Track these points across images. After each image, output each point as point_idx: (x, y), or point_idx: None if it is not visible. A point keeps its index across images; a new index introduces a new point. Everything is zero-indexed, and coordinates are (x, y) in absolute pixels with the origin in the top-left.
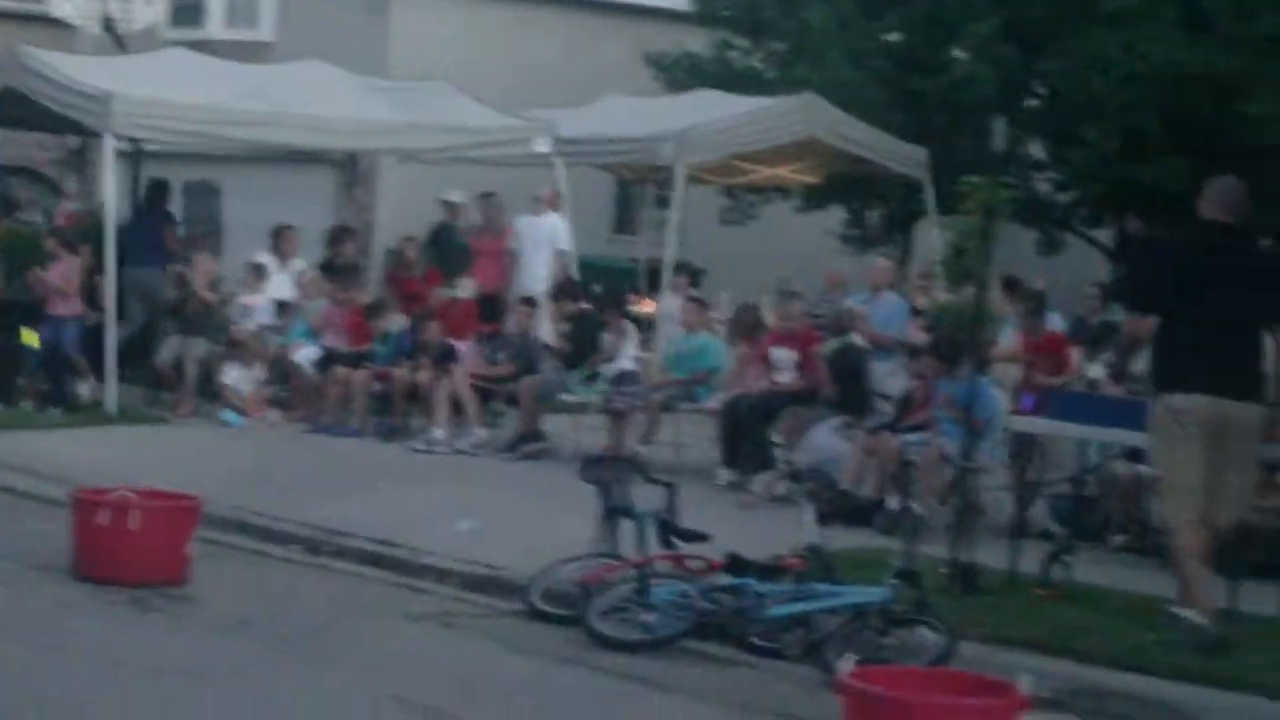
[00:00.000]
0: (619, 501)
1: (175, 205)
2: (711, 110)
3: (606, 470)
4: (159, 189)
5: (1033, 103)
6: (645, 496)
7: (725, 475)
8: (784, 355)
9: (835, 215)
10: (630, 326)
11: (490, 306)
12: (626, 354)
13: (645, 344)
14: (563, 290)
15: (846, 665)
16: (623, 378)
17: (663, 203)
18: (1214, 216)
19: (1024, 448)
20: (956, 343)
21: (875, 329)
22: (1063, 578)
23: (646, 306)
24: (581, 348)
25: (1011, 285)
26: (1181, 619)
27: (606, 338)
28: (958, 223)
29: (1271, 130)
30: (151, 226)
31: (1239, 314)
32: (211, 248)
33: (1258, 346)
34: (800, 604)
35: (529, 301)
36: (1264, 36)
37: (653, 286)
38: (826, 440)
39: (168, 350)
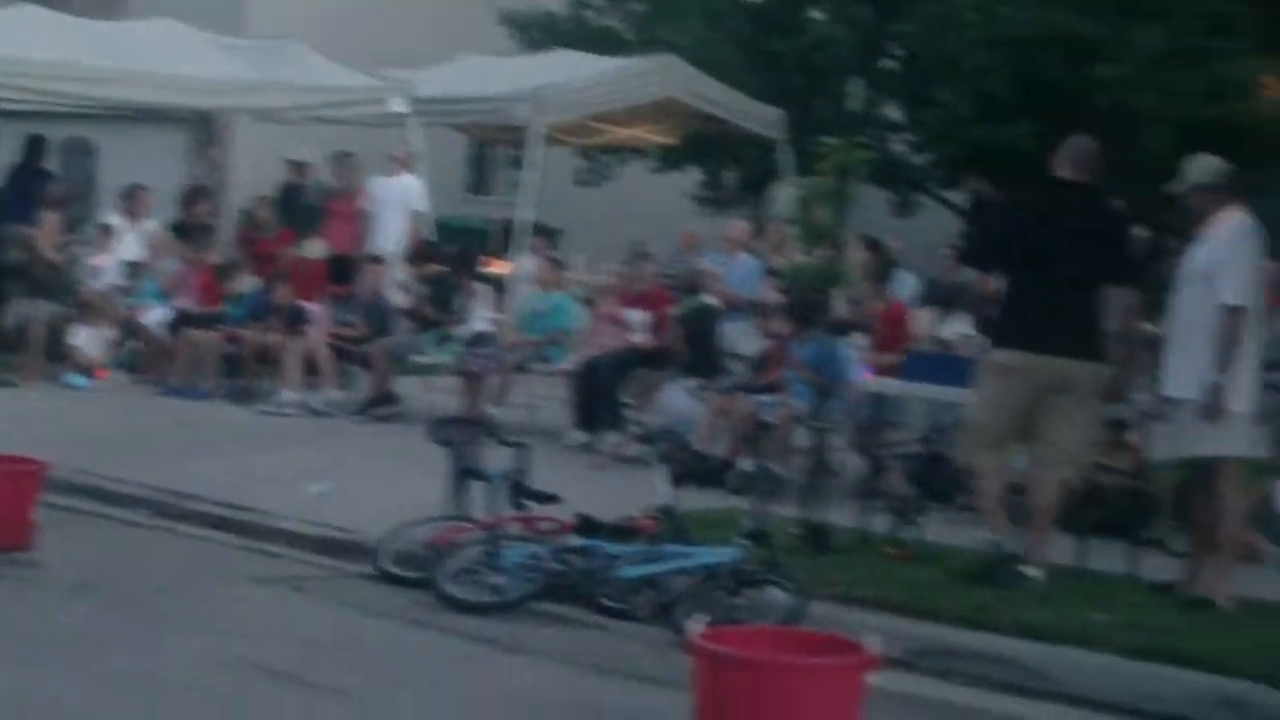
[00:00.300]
0: (469, 463)
1: (53, 163)
2: (568, 70)
3: (457, 431)
4: (35, 146)
5: (889, 64)
6: (496, 458)
7: (577, 436)
8: (636, 316)
9: (692, 176)
10: (481, 288)
11: (341, 268)
12: (479, 315)
13: (500, 305)
14: (418, 252)
15: (697, 625)
16: (477, 339)
17: (518, 163)
18: (1067, 176)
19: (875, 409)
20: (809, 303)
21: (730, 289)
22: (913, 537)
23: (501, 267)
24: (438, 309)
25: (873, 245)
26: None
27: (458, 299)
28: (810, 183)
29: (1124, 93)
30: (27, 184)
31: (1079, 273)
32: (83, 206)
33: (1097, 305)
34: (651, 565)
35: (375, 260)
36: (1118, 1)
37: (508, 247)
38: (679, 401)
39: (13, 313)
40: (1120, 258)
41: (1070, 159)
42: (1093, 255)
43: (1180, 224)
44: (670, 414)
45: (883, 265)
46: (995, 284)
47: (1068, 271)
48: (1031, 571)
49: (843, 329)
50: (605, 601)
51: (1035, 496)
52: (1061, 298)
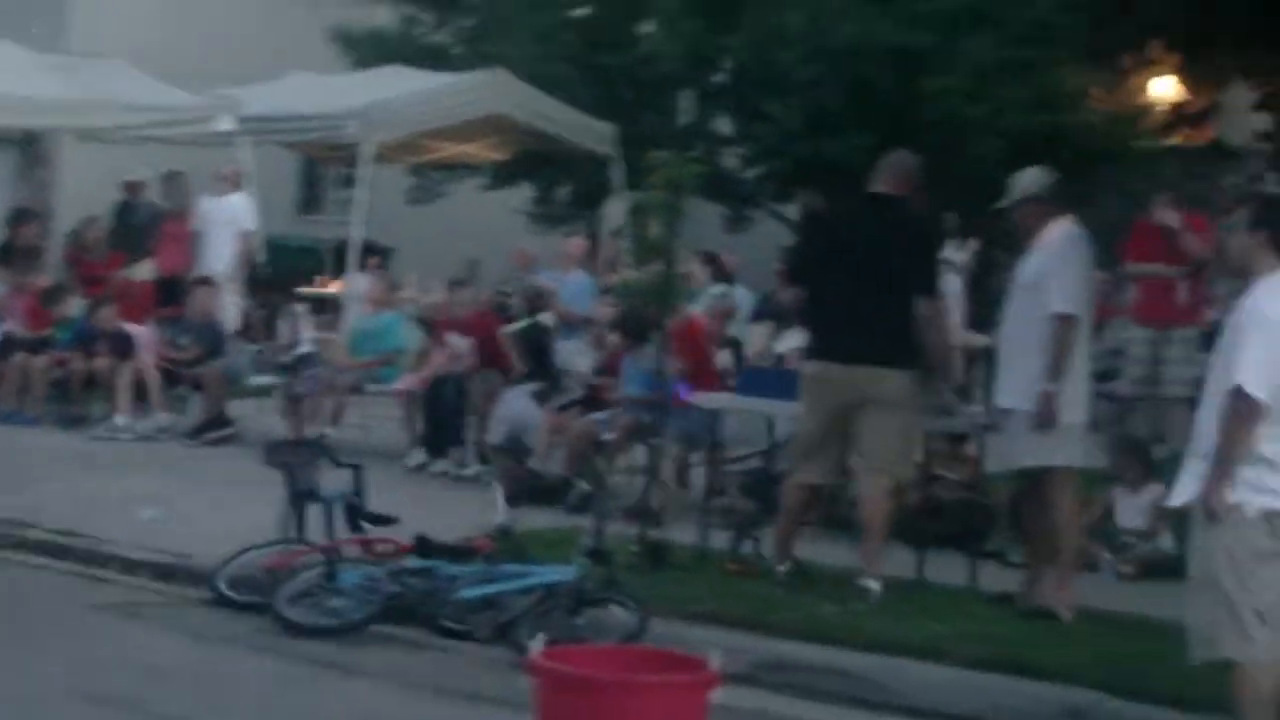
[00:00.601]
0: (305, 485)
1: None
2: (398, 86)
3: (291, 454)
4: None
5: (720, 78)
6: (332, 480)
7: (416, 457)
8: (459, 342)
9: (525, 192)
10: (301, 309)
11: (171, 289)
12: (304, 338)
13: (332, 325)
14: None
15: (536, 645)
16: (301, 361)
17: (350, 182)
18: (883, 189)
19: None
20: (642, 319)
21: (564, 306)
22: (752, 552)
23: (332, 287)
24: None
25: (710, 259)
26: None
27: (281, 324)
28: (641, 197)
29: (953, 105)
30: None
31: (881, 283)
32: None
33: (901, 314)
34: (489, 585)
35: (206, 281)
36: (946, 12)
37: (340, 267)
38: (519, 405)
39: None
40: (921, 268)
41: (887, 173)
42: (895, 266)
43: (1010, 236)
44: (511, 422)
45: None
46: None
47: (869, 282)
48: (868, 584)
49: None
50: (445, 623)
51: (861, 509)
52: (863, 308)
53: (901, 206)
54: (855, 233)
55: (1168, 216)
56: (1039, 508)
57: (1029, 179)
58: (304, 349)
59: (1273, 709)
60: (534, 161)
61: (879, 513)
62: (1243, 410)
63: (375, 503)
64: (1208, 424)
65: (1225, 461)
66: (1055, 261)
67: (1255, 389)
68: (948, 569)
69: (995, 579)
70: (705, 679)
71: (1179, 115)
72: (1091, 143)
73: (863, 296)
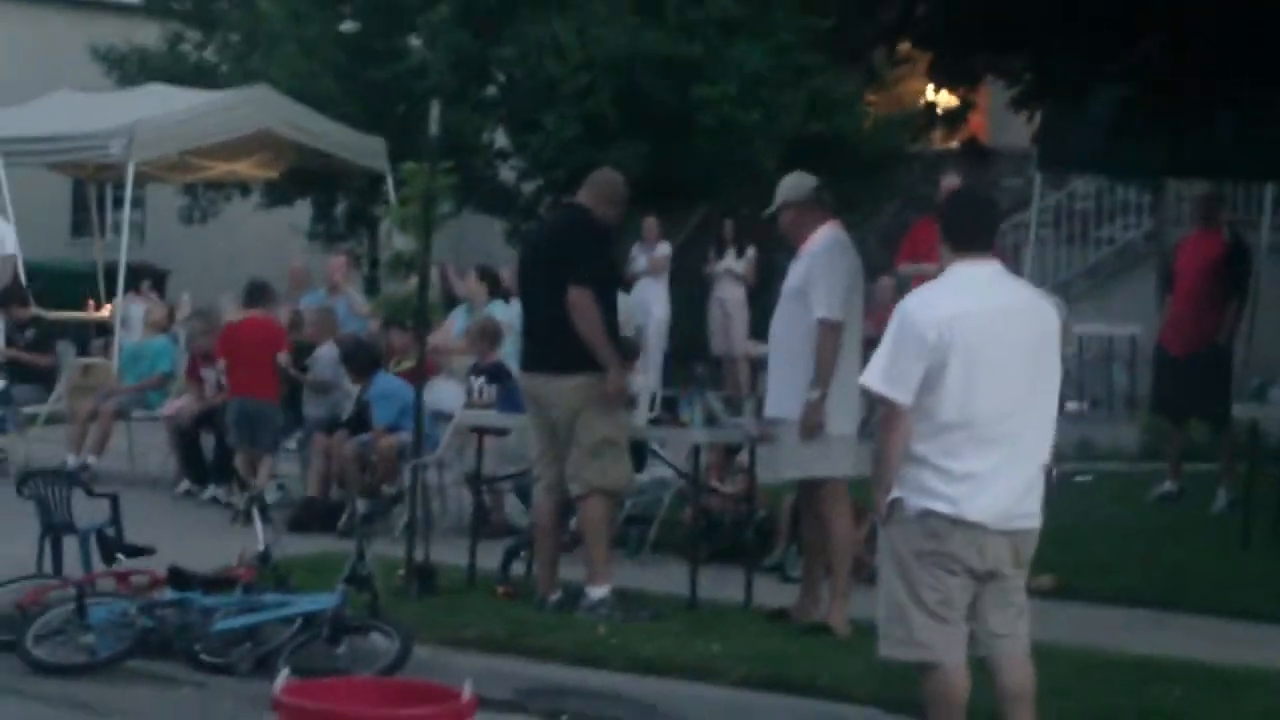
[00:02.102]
0: (59, 517)
1: None
2: (162, 105)
3: (45, 485)
4: None
5: (492, 90)
6: (91, 511)
7: (182, 485)
8: (211, 374)
9: (303, 210)
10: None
11: None
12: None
13: (104, 349)
14: (10, 296)
15: (281, 679)
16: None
17: (121, 203)
18: (581, 202)
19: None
20: (369, 351)
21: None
22: (523, 574)
23: (103, 311)
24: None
25: (486, 274)
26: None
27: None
28: (393, 212)
29: (727, 112)
30: None
31: (551, 290)
32: None
33: (563, 318)
34: (247, 616)
35: None
36: (715, 21)
37: (112, 290)
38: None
39: None
40: (576, 263)
41: (588, 187)
42: (562, 272)
43: (785, 242)
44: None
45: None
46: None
47: (543, 290)
48: (595, 594)
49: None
50: (202, 656)
51: (579, 521)
52: (541, 316)
53: (580, 214)
54: (537, 244)
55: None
56: (814, 520)
57: (793, 183)
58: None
59: (963, 710)
60: (309, 178)
61: (588, 524)
62: (885, 413)
63: (140, 533)
64: None
65: (880, 463)
66: (819, 267)
67: (893, 392)
68: (726, 585)
69: (773, 594)
70: (458, 709)
71: (936, 116)
72: (865, 147)
73: (540, 305)
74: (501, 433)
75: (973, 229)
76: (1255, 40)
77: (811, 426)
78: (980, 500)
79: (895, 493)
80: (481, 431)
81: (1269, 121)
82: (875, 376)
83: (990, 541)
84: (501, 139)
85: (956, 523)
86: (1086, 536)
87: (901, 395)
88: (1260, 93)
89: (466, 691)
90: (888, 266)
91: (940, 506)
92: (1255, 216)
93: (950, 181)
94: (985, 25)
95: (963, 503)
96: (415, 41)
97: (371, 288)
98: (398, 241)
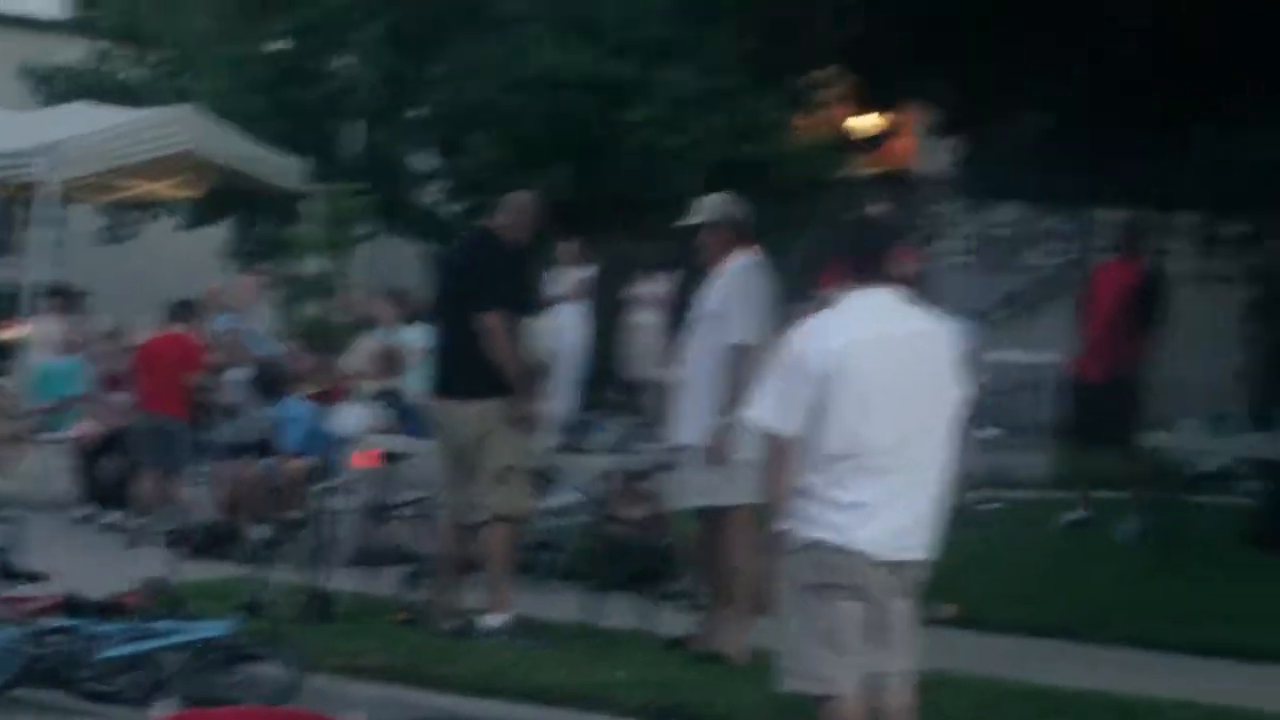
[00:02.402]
0: None
1: None
2: (85, 123)
3: None
4: None
5: (422, 111)
6: None
7: (85, 508)
8: (117, 398)
9: (226, 230)
10: None
11: None
12: None
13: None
14: None
15: (161, 709)
16: None
17: (42, 222)
18: (494, 226)
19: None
20: (273, 368)
21: (245, 348)
22: (422, 600)
23: (19, 331)
24: None
25: (398, 296)
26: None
27: None
28: (293, 234)
29: (654, 135)
30: None
31: (460, 315)
32: None
33: (471, 343)
34: (138, 643)
35: None
36: (644, 42)
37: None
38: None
39: None
40: (487, 289)
41: (502, 209)
42: (470, 296)
43: (694, 262)
44: None
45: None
46: None
47: (452, 315)
48: (495, 621)
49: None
50: (90, 685)
51: (481, 547)
52: (450, 342)
53: (492, 237)
54: (449, 267)
55: None
56: (717, 547)
57: (712, 204)
58: None
59: None
60: (230, 198)
61: (490, 550)
62: (773, 444)
63: (40, 557)
64: None
65: (771, 496)
66: (737, 292)
67: (780, 424)
68: (629, 612)
69: (675, 622)
70: None
71: (855, 141)
72: (789, 172)
73: (451, 329)
74: (402, 458)
75: (867, 256)
76: (1177, 71)
77: (721, 453)
78: (867, 530)
79: (786, 524)
80: (385, 457)
81: (1189, 151)
82: (762, 408)
83: (877, 572)
84: (428, 161)
85: (843, 552)
86: (993, 564)
87: (789, 427)
88: (1182, 123)
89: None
90: (809, 293)
91: (827, 536)
92: (1178, 246)
93: (873, 208)
94: (907, 51)
95: (849, 532)
96: (345, 61)
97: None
98: (310, 264)
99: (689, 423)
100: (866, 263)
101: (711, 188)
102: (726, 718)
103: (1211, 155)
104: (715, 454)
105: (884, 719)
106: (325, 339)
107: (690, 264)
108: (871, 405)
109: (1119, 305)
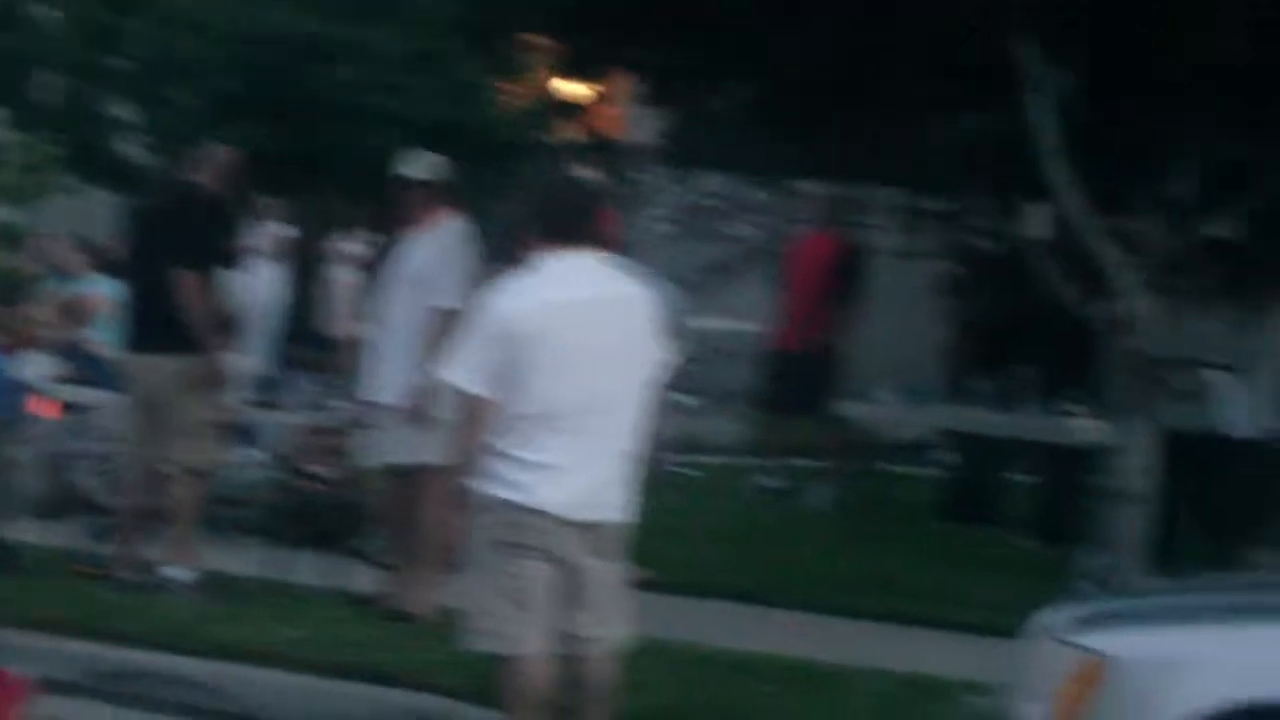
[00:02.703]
0: None
1: None
2: None
3: None
4: None
5: (121, 61)
6: None
7: None
8: None
9: None
10: None
11: None
12: None
13: None
14: None
15: None
16: None
17: None
18: (196, 179)
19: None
20: None
21: None
22: (106, 553)
23: None
24: None
25: (89, 247)
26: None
27: None
28: None
29: (358, 95)
30: None
31: (152, 267)
32: None
33: (165, 297)
34: None
35: None
36: (354, 1)
37: None
38: None
39: None
40: (183, 245)
41: (204, 163)
42: (163, 250)
43: (396, 222)
44: None
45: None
46: None
47: (145, 269)
48: (171, 573)
49: None
50: None
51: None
52: (141, 295)
53: (190, 192)
54: (144, 222)
55: None
56: (408, 505)
57: (419, 164)
58: None
59: (544, 703)
60: None
61: (176, 504)
62: (466, 405)
63: None
64: None
65: (463, 455)
66: (443, 254)
67: (473, 385)
68: (318, 570)
69: (363, 580)
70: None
71: (562, 107)
72: (498, 135)
73: (145, 283)
74: (85, 410)
75: (566, 219)
76: (881, 46)
77: (419, 413)
78: (555, 490)
79: (477, 483)
80: (66, 407)
81: (891, 128)
82: (457, 369)
83: (566, 532)
84: (127, 111)
85: (531, 511)
86: (688, 530)
87: (482, 387)
88: (888, 98)
89: (20, 675)
90: (512, 256)
91: (516, 496)
92: (879, 220)
93: (576, 173)
94: (614, 19)
95: (537, 492)
96: (41, 7)
97: None
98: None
99: (386, 381)
100: (567, 226)
101: (417, 148)
102: (413, 676)
103: (913, 134)
104: (413, 414)
105: (582, 683)
106: (12, 288)
107: (392, 223)
108: (564, 367)
109: (818, 277)
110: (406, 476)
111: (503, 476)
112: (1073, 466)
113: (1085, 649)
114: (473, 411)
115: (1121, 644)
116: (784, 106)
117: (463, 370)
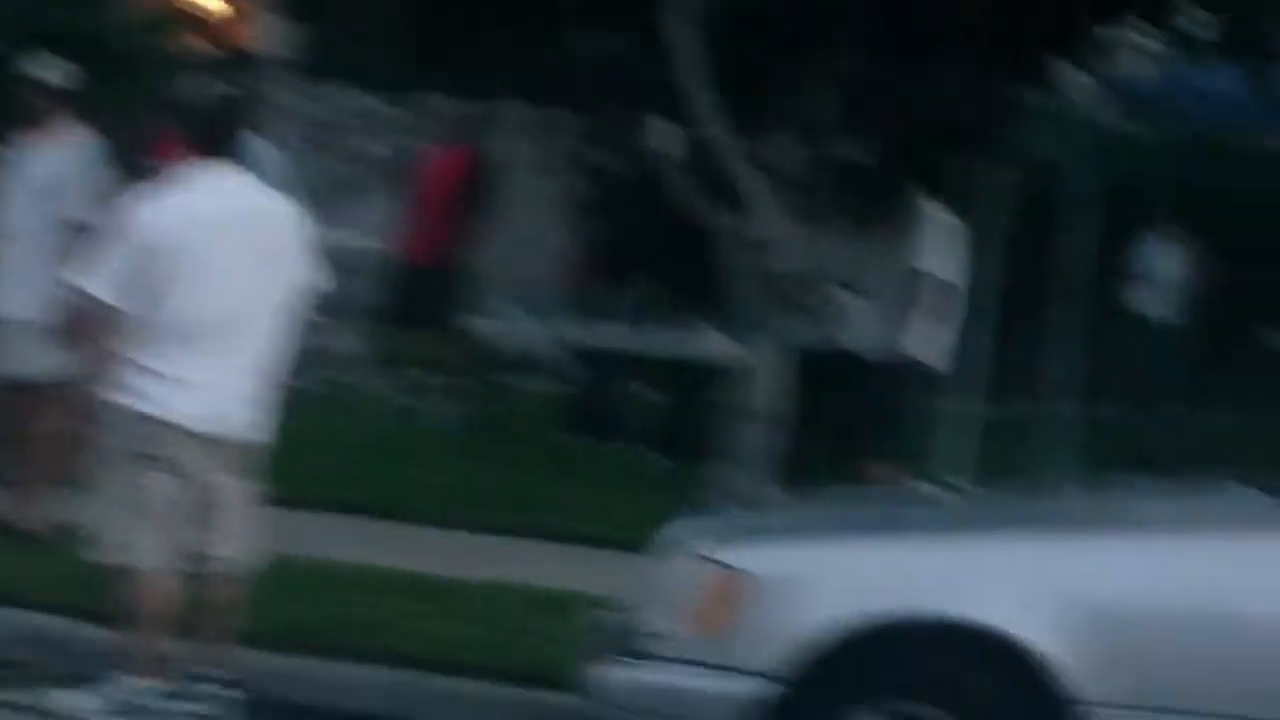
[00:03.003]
0: None
1: None
2: None
3: None
4: None
5: None
6: None
7: None
8: None
9: None
10: None
11: None
12: None
13: None
14: None
15: None
16: None
17: None
18: None
19: None
20: None
21: None
22: None
23: None
24: None
25: None
26: None
27: None
28: None
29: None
30: None
31: None
32: None
33: None
34: None
35: None
36: None
37: None
38: None
39: None
40: None
41: None
42: None
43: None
44: None
45: None
46: None
47: None
48: None
49: None
50: None
51: None
52: None
53: None
54: None
55: None
56: (27, 418)
57: (46, 67)
58: None
59: (165, 619)
60: None
61: None
62: (100, 315)
63: None
64: None
65: (93, 366)
66: (72, 167)
67: (108, 294)
68: None
69: None
70: None
71: (193, 18)
72: (125, 45)
73: None
74: None
75: (212, 132)
76: None
77: (52, 326)
78: (186, 403)
79: (105, 394)
80: None
81: (527, 46)
82: (91, 278)
83: (193, 445)
84: None
85: (159, 423)
86: (310, 445)
87: (116, 297)
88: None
89: None
90: (145, 167)
91: (149, 409)
92: (509, 135)
93: (209, 87)
94: None
95: (167, 404)
96: None
97: None
98: None
99: (13, 294)
100: (208, 139)
101: (36, 51)
102: (28, 592)
103: (551, 51)
104: (46, 327)
105: (207, 601)
106: None
107: (15, 129)
108: (204, 282)
109: (447, 192)
110: (24, 389)
111: (134, 387)
112: (700, 382)
113: (722, 565)
114: (106, 321)
115: (759, 559)
116: (420, 22)
117: (98, 279)
